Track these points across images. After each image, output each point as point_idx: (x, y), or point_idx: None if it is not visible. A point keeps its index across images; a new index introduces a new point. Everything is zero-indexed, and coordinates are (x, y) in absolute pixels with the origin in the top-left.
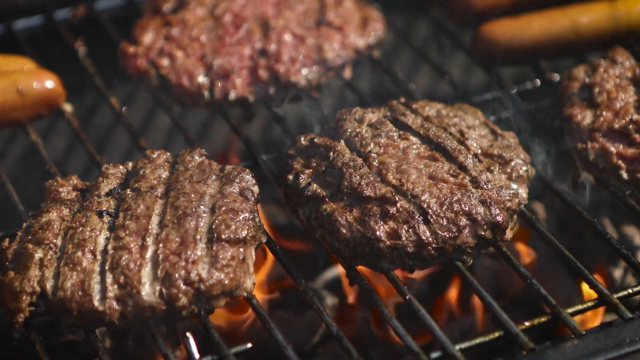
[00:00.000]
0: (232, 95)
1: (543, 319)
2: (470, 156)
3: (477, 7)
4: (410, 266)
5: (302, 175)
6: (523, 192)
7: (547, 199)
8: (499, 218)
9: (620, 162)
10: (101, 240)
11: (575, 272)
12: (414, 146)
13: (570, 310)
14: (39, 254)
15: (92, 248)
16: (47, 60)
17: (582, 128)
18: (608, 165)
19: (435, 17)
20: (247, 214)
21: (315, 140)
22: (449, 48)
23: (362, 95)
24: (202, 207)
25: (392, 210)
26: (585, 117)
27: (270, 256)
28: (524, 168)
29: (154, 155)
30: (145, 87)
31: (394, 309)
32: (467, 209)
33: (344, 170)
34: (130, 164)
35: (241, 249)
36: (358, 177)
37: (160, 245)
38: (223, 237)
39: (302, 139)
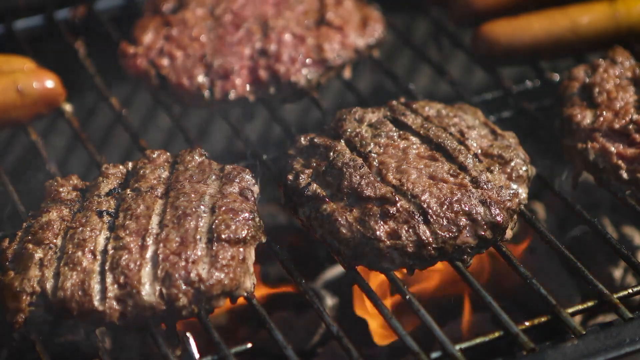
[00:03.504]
0: (232, 95)
1: (543, 319)
2: (470, 156)
3: (477, 7)
4: (410, 266)
5: (302, 175)
6: (523, 192)
7: (547, 199)
8: (499, 218)
9: (620, 162)
10: (101, 240)
11: (575, 272)
12: (414, 146)
13: (570, 310)
14: (39, 254)
15: (92, 248)
16: (47, 60)
17: (582, 128)
18: (608, 165)
19: (435, 17)
20: (247, 214)
21: (315, 140)
22: (449, 48)
23: (362, 95)
24: (202, 207)
25: (392, 210)
26: (585, 117)
27: None
28: (524, 168)
29: (154, 155)
30: (145, 87)
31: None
32: (467, 209)
33: (344, 170)
34: (130, 164)
35: (241, 249)
36: (358, 177)
37: (160, 245)
38: (223, 237)
39: (302, 139)
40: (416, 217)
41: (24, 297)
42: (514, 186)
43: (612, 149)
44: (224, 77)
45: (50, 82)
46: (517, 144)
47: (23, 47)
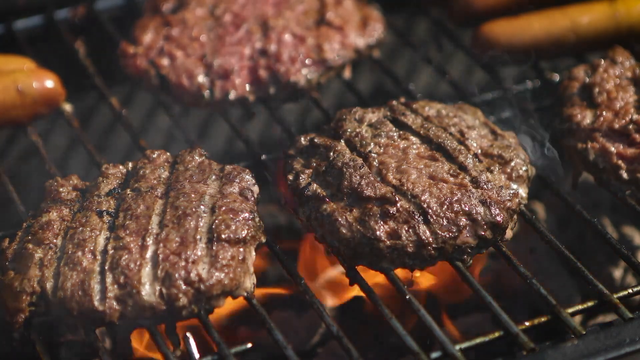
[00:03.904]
0: (232, 95)
1: (543, 319)
2: (470, 156)
3: (477, 7)
4: (410, 266)
5: (302, 175)
6: (523, 192)
7: (547, 199)
8: (499, 218)
9: (620, 162)
10: (101, 240)
11: (575, 272)
12: (414, 146)
13: (570, 310)
14: (39, 254)
15: (92, 248)
16: (47, 60)
17: (582, 128)
18: (608, 165)
19: (435, 17)
20: (247, 214)
21: (315, 140)
22: (449, 48)
23: (362, 95)
24: (202, 207)
25: (392, 210)
26: (585, 117)
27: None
28: (524, 168)
29: (154, 155)
30: (145, 87)
31: None
32: (467, 209)
33: (344, 170)
34: (130, 164)
35: (241, 249)
36: (358, 177)
37: (160, 245)
38: (223, 237)
39: (302, 139)
40: (416, 217)
41: (24, 297)
42: (514, 186)
43: (612, 149)
44: (224, 77)
45: (50, 82)
46: (517, 144)
47: (23, 47)
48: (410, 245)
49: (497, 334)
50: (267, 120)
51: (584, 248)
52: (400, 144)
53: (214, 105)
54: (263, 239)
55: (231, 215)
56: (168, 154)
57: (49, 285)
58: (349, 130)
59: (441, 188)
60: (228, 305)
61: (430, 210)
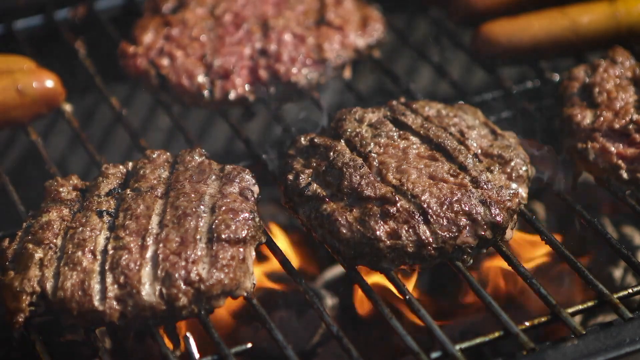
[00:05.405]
0: (232, 95)
1: (543, 319)
2: (470, 156)
3: (477, 7)
4: (410, 266)
5: (302, 175)
6: (523, 192)
7: (547, 199)
8: (498, 218)
9: (620, 162)
10: (101, 240)
11: (575, 272)
12: (414, 146)
13: (570, 310)
14: (39, 254)
15: (92, 248)
16: (47, 60)
17: (582, 128)
18: (608, 165)
19: (435, 17)
20: (247, 214)
21: (315, 140)
22: (449, 48)
23: (362, 95)
24: (202, 207)
25: (392, 210)
26: (585, 117)
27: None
28: (524, 168)
29: (154, 155)
30: (145, 87)
31: None
32: (467, 208)
33: (344, 170)
34: (130, 164)
35: (241, 249)
36: (358, 177)
37: (160, 245)
38: (223, 237)
39: (302, 139)
40: (416, 217)
41: (24, 297)
42: (514, 186)
43: (612, 149)
44: (224, 77)
45: (50, 82)
46: (517, 143)
47: (23, 47)
48: (410, 245)
49: (497, 334)
50: (267, 120)
51: (584, 248)
52: (400, 143)
53: (214, 105)
54: (263, 239)
55: (231, 215)
56: (168, 154)
57: (49, 285)
58: (349, 130)
59: (441, 188)
60: (228, 305)
61: (430, 210)
